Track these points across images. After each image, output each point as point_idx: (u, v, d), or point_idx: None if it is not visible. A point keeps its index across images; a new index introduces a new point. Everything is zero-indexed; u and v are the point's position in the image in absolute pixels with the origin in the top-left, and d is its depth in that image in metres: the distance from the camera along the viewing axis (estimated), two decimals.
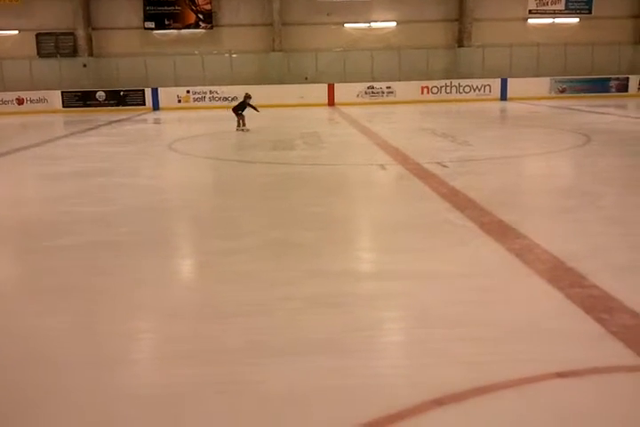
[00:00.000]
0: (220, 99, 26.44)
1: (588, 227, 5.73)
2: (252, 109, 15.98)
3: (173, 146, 13.23)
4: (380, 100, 26.61)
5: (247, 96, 16.13)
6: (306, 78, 27.47)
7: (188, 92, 26.66)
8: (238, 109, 16.02)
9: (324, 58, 27.87)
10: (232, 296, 4.15)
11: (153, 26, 27.83)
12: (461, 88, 27.19)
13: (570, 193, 7.31)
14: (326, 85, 26.46)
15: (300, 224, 6.08)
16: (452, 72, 27.93)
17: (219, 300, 4.10)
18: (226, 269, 4.73)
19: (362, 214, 6.67)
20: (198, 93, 26.55)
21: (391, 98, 26.80)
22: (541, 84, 27.30)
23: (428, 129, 15.36)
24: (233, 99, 26.59)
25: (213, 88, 26.70)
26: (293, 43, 27.82)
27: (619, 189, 7.55)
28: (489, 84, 27.26)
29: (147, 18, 27.70)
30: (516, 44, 28.17)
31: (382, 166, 9.57)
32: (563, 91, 27.30)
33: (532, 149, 11.68)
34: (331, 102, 26.32)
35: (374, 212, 6.66)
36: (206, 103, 26.42)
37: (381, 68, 27.85)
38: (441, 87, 27.10)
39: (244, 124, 15.94)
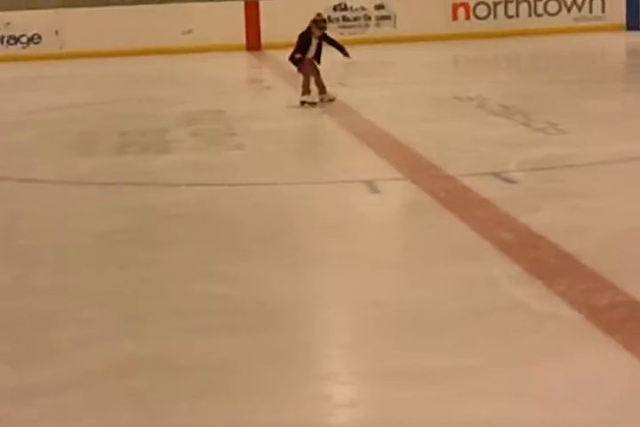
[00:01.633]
0: (7, 39, 20.95)
1: None
2: (335, 49, 12.68)
3: None
4: (361, 35, 21.28)
5: (318, 19, 12.30)
6: None
7: None
8: (298, 52, 11.99)
9: None
10: None
11: None
12: (540, 5, 21.29)
13: None
14: (242, 5, 21.16)
15: (193, 321, 4.97)
16: None
17: None
18: None
19: (328, 296, 5.51)
20: None
21: (387, 30, 21.29)
22: None
23: (469, 98, 12.58)
24: (31, 39, 21.81)
25: None
26: None
27: None
28: None
29: None
30: None
31: (371, 185, 7.98)
32: None
33: None
34: (253, 42, 21.34)
35: (355, 289, 5.43)
36: None
37: None
38: (496, 4, 21.26)
39: (322, 91, 12.18)
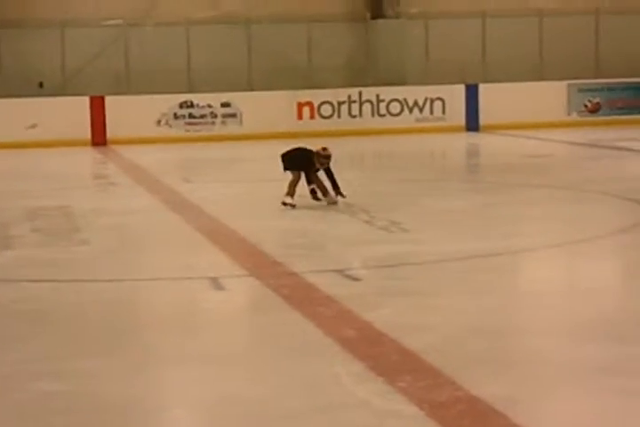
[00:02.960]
0: None
1: None
2: (328, 179, 11.94)
3: None
4: (207, 132, 21.39)
5: (322, 154, 11.60)
6: (40, 85, 21.96)
7: None
8: (309, 165, 11.59)
9: (83, 41, 21.98)
10: None
11: None
12: (382, 106, 21.85)
13: (618, 331, 6.26)
14: (88, 100, 20.82)
15: (28, 421, 4.73)
16: (363, 72, 23.09)
17: None
18: None
19: (172, 394, 5.44)
20: None
21: (233, 128, 21.34)
22: (550, 97, 22.66)
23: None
24: None
25: None
26: (9, 9, 21.90)
27: None
28: (440, 98, 21.99)
29: None
30: (496, 12, 23.35)
31: (215, 281, 7.90)
32: (594, 110, 22.95)
33: (534, 239, 10.00)
34: (99, 138, 20.92)
35: (199, 386, 5.35)
36: None
37: (210, 65, 22.28)
38: (340, 104, 21.71)
39: (325, 193, 11.68)
